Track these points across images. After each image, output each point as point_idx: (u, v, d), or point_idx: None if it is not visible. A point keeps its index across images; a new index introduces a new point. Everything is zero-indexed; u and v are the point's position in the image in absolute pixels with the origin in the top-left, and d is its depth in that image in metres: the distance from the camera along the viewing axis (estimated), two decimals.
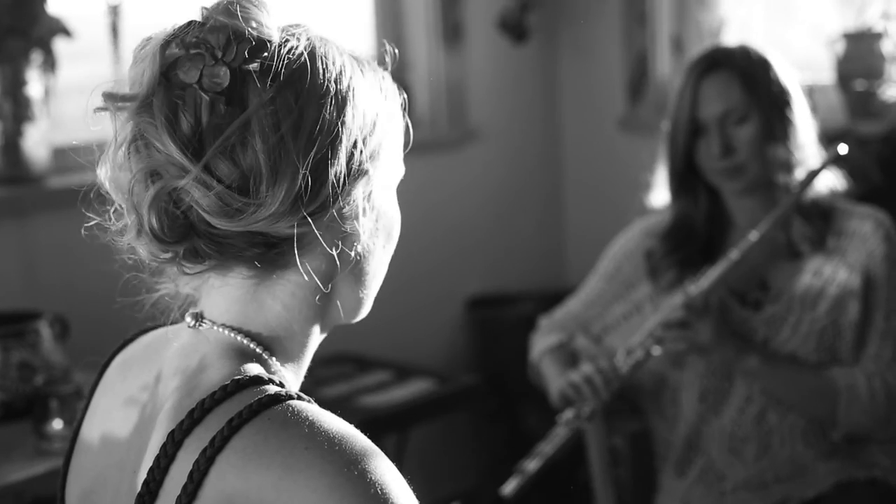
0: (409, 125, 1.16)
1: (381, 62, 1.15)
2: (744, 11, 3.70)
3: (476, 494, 3.74)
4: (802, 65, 3.46)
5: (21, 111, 2.75)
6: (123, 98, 1.02)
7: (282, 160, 1.01)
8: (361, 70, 1.09)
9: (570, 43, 4.03)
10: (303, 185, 1.01)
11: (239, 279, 1.07)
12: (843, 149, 2.19)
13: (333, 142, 1.03)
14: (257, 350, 1.08)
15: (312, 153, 1.01)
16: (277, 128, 1.00)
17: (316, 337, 1.13)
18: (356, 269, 1.11)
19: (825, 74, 3.41)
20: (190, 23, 1.04)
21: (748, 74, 2.22)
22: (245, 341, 1.07)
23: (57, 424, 2.11)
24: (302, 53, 1.04)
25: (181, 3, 3.37)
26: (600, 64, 3.96)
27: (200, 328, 1.09)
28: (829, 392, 2.19)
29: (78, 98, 3.00)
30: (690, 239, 2.30)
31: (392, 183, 1.13)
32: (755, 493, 2.26)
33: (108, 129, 1.05)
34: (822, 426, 2.24)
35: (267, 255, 1.04)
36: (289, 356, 1.10)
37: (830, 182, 2.29)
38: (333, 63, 1.06)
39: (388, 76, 1.14)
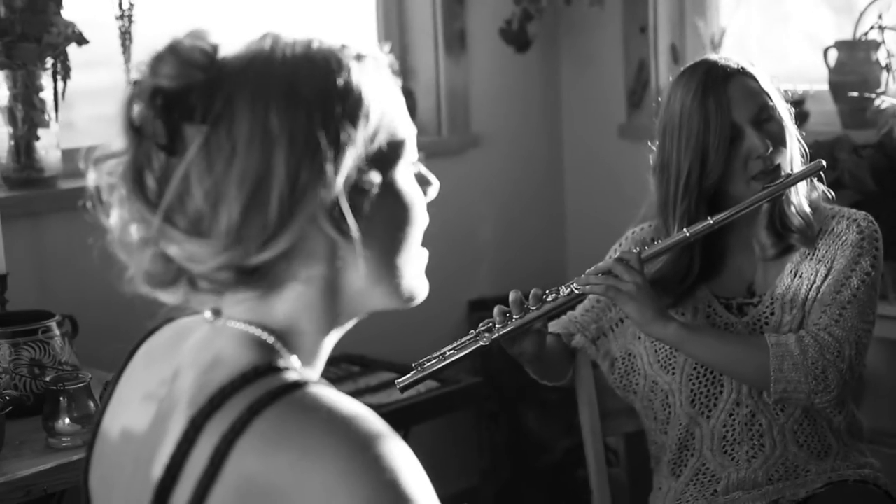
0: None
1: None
2: (741, 21, 3.74)
3: (477, 494, 3.77)
4: (798, 74, 3.51)
5: (34, 116, 2.78)
6: (102, 157, 1.09)
7: (220, 201, 1.03)
8: (312, 76, 1.07)
9: (571, 52, 4.06)
10: (244, 219, 1.03)
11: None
12: (822, 163, 2.21)
13: (268, 173, 1.03)
14: (274, 344, 1.10)
15: (248, 188, 1.03)
16: (211, 169, 1.03)
17: (332, 334, 1.15)
18: (366, 267, 1.11)
19: (820, 83, 3.44)
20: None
21: (760, 80, 2.23)
22: (262, 335, 1.09)
23: (66, 421, 2.13)
24: (233, 86, 1.04)
25: (192, 9, 3.39)
26: (601, 72, 3.99)
27: (218, 323, 1.12)
28: (756, 351, 2.17)
29: (89, 103, 3.04)
30: (685, 279, 2.30)
31: (388, 173, 1.12)
32: (748, 493, 2.27)
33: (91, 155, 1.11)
34: (758, 387, 2.22)
35: (256, 280, 1.08)
36: (302, 352, 1.12)
37: (820, 187, 2.32)
38: (267, 90, 1.05)
39: (368, 59, 1.11)
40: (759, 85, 2.23)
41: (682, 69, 2.30)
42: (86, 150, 1.11)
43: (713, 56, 2.29)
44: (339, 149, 1.05)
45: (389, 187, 1.12)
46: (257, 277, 1.07)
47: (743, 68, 2.23)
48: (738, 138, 2.19)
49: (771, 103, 2.22)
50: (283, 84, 1.05)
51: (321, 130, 1.04)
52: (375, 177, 1.09)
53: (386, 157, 1.11)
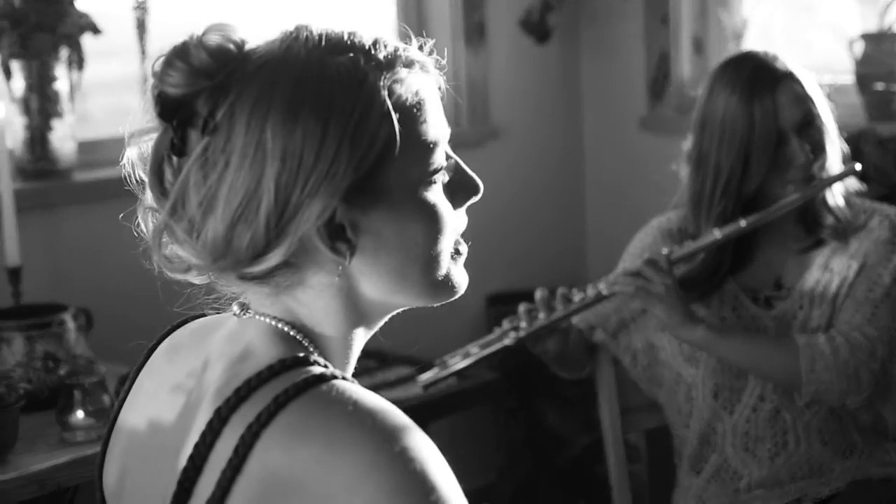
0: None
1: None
2: (765, 12, 3.72)
3: (495, 490, 3.76)
4: (822, 65, 3.48)
5: (49, 106, 2.78)
6: (141, 132, 1.08)
7: (209, 212, 1.03)
8: (319, 89, 1.03)
9: (592, 43, 4.05)
10: (230, 234, 1.03)
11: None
12: (857, 166, 2.23)
13: (257, 191, 1.02)
14: (302, 340, 1.09)
15: (236, 204, 1.02)
16: (206, 179, 1.02)
17: (359, 335, 1.15)
18: (379, 279, 1.10)
19: (845, 75, 3.42)
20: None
21: (806, 84, 2.22)
22: (291, 332, 1.09)
23: (80, 415, 2.13)
24: (238, 94, 1.03)
25: (207, 2, 3.37)
26: (622, 64, 3.98)
27: (245, 317, 1.11)
28: (787, 352, 2.17)
29: (104, 94, 3.05)
30: (714, 276, 2.30)
31: (402, 191, 1.08)
32: (771, 491, 2.26)
33: (132, 126, 1.10)
34: (789, 389, 2.22)
35: (261, 282, 1.07)
36: (329, 351, 1.12)
37: (850, 182, 2.32)
38: (269, 103, 1.02)
39: (397, 62, 1.10)
40: (805, 90, 2.21)
41: (725, 61, 2.28)
42: (130, 133, 1.10)
43: (759, 52, 2.26)
44: (335, 168, 1.01)
45: (407, 199, 1.08)
46: (260, 281, 1.07)
47: (790, 72, 2.21)
48: (781, 144, 2.19)
49: (815, 110, 2.21)
50: (286, 97, 1.02)
51: (317, 149, 1.01)
52: (381, 194, 1.06)
53: (402, 169, 1.07)
